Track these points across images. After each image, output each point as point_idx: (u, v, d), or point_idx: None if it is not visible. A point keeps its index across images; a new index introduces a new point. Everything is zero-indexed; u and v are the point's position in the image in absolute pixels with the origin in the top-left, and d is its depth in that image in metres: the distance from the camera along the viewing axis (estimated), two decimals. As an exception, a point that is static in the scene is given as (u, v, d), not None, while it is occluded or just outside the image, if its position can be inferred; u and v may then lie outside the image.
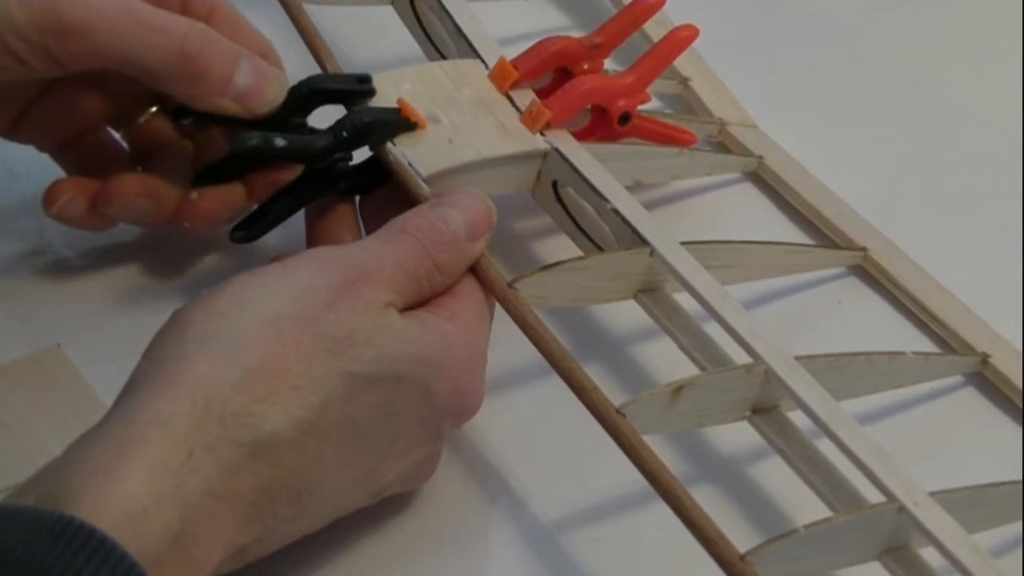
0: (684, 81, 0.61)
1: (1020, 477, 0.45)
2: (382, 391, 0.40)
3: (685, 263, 0.47)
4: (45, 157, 0.51)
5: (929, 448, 0.50)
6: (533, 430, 0.49)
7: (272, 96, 0.47)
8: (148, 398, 0.36)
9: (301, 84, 0.48)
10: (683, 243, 0.48)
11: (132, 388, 0.38)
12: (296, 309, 0.39)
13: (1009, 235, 0.58)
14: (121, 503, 0.34)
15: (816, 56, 0.67)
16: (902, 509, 0.40)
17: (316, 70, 0.51)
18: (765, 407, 0.45)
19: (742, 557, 0.38)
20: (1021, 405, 0.50)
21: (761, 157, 0.58)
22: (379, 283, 0.41)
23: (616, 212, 0.48)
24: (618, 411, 0.41)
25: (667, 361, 0.48)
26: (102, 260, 0.51)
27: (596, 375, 0.42)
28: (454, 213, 0.44)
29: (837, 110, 0.64)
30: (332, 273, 0.41)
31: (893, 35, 0.68)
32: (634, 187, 0.54)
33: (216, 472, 0.36)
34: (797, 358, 0.44)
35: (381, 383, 0.40)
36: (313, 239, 0.49)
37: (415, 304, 0.43)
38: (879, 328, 0.54)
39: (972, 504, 0.42)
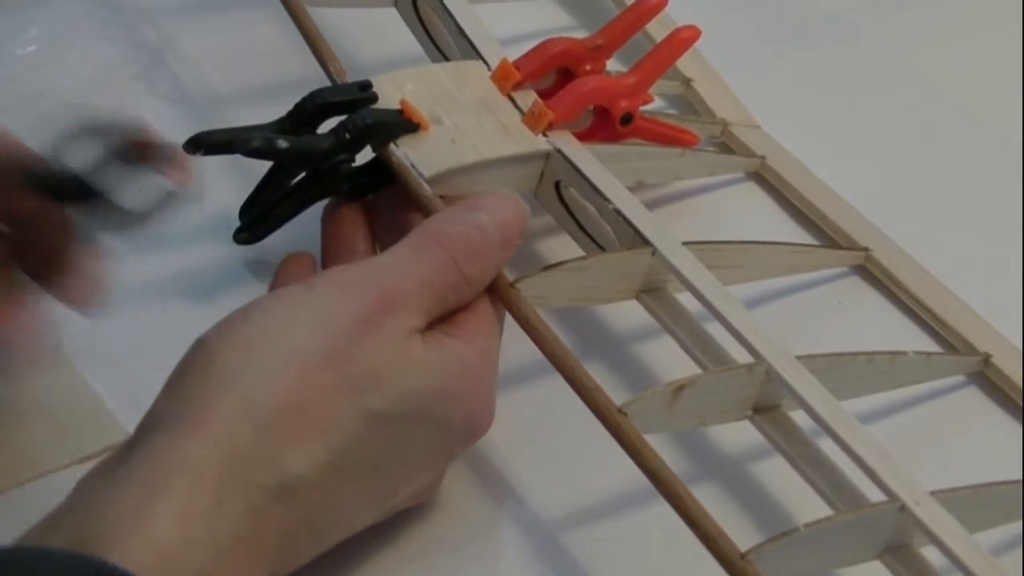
0: (687, 82, 0.61)
1: (1021, 477, 0.45)
2: (403, 428, 0.40)
3: (687, 263, 0.47)
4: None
5: (930, 448, 0.49)
6: (534, 431, 0.49)
7: None
8: (175, 440, 0.36)
9: (305, 101, 0.48)
10: (685, 243, 0.48)
11: (157, 426, 0.37)
12: (321, 343, 0.39)
13: (1009, 235, 0.58)
14: (153, 548, 0.34)
15: (817, 57, 0.67)
16: (903, 508, 0.40)
17: (319, 71, 0.51)
18: (766, 406, 0.45)
19: (743, 555, 0.38)
20: (1022, 405, 0.50)
21: (763, 157, 0.58)
22: (404, 308, 0.40)
23: (618, 212, 0.48)
24: (619, 410, 0.41)
25: (669, 361, 0.48)
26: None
27: (598, 375, 0.42)
28: (486, 218, 0.43)
29: (838, 111, 0.64)
30: (356, 300, 0.40)
31: (894, 35, 0.68)
32: (636, 187, 0.54)
33: (243, 516, 0.36)
34: (798, 358, 0.44)
35: (402, 420, 0.40)
36: (327, 242, 0.49)
37: (437, 318, 0.42)
38: (881, 328, 0.54)
39: (973, 503, 0.42)
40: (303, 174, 0.49)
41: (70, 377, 0.48)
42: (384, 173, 0.48)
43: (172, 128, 0.46)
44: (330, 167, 0.47)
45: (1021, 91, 0.64)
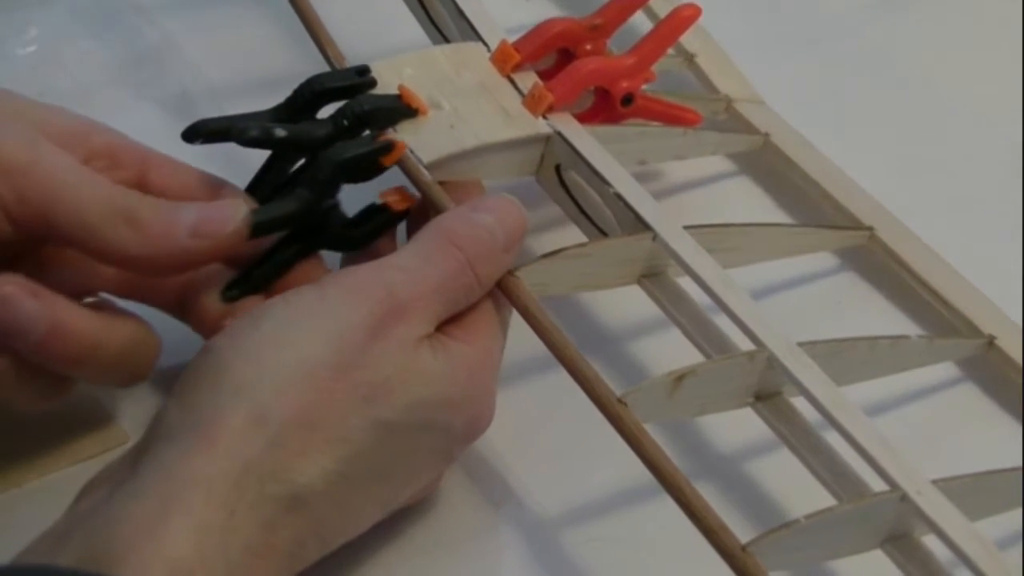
0: (690, 57, 0.61)
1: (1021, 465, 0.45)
2: (409, 437, 0.40)
3: (688, 248, 0.46)
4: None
5: (928, 444, 0.49)
6: (533, 428, 0.49)
7: (232, 216, 0.43)
8: (186, 454, 0.36)
9: (303, 87, 0.48)
10: (686, 227, 0.47)
11: (167, 437, 0.37)
12: (331, 352, 0.39)
13: (1009, 234, 0.58)
14: (168, 565, 0.34)
15: (818, 55, 0.66)
16: (904, 498, 0.40)
17: (320, 66, 0.50)
18: (768, 393, 0.45)
19: (743, 547, 0.38)
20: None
21: (767, 135, 0.58)
22: (413, 315, 0.40)
23: (619, 196, 0.48)
24: (619, 400, 0.41)
25: (671, 352, 0.46)
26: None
27: (600, 367, 0.42)
28: (492, 221, 0.43)
29: (838, 110, 0.63)
30: (366, 307, 0.40)
31: (894, 34, 0.67)
32: (639, 173, 0.54)
33: (255, 529, 0.36)
34: (799, 344, 0.44)
35: (409, 430, 0.40)
36: None
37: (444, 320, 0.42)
38: (880, 322, 0.53)
39: (975, 491, 0.42)
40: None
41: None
42: (382, 219, 0.47)
43: (173, 127, 0.46)
44: (322, 216, 0.46)
45: (1021, 91, 0.64)
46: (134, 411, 0.47)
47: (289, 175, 0.49)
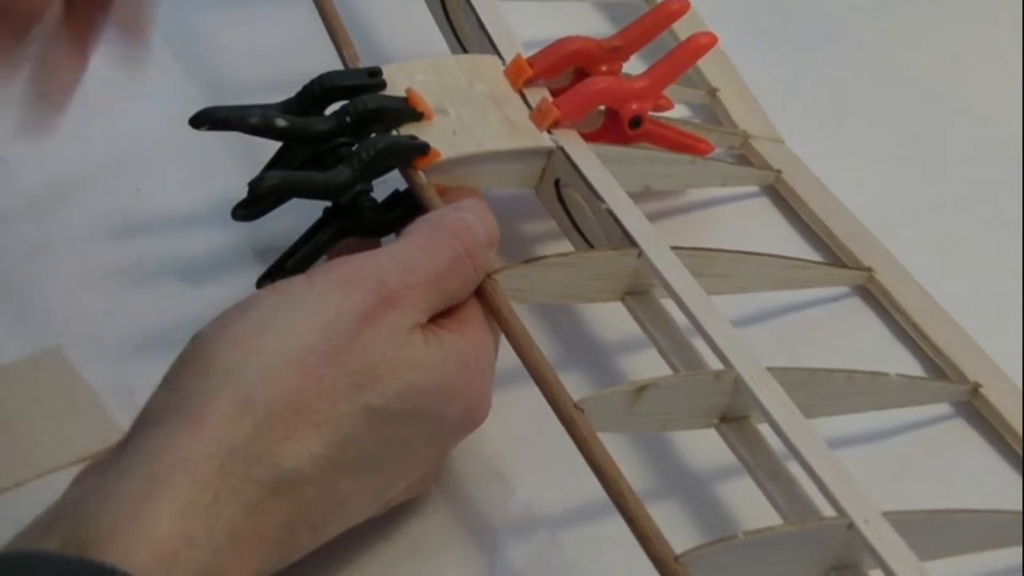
0: (712, 91, 0.61)
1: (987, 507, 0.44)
2: (400, 425, 0.40)
3: (672, 268, 0.46)
4: (48, 156, 0.51)
5: (914, 478, 0.48)
6: (532, 427, 0.48)
7: None
8: (172, 436, 0.36)
9: (313, 83, 0.49)
10: (674, 248, 0.47)
11: (155, 421, 0.37)
12: (320, 339, 0.39)
13: (1010, 234, 0.57)
14: (152, 547, 0.34)
15: (828, 58, 0.66)
16: (851, 526, 0.39)
17: (325, 62, 0.51)
18: (735, 416, 0.44)
19: (676, 558, 0.37)
20: (1021, 438, 0.49)
21: (779, 172, 0.57)
22: (406, 304, 0.41)
23: (609, 212, 0.48)
24: (576, 406, 0.41)
25: (659, 368, 0.46)
26: (103, 260, 0.51)
27: (586, 379, 0.41)
28: (474, 218, 0.44)
29: (850, 114, 0.63)
30: (358, 296, 0.40)
31: (896, 36, 0.67)
32: (649, 195, 0.54)
33: (240, 512, 0.36)
34: (770, 369, 0.44)
35: (401, 417, 0.40)
36: None
37: (439, 312, 0.42)
38: (879, 352, 0.52)
39: (930, 528, 0.41)
40: (323, 216, 0.48)
41: (69, 377, 0.48)
42: (409, 203, 0.48)
43: (174, 125, 0.46)
44: (351, 201, 0.47)
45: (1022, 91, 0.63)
46: (135, 411, 0.47)
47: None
